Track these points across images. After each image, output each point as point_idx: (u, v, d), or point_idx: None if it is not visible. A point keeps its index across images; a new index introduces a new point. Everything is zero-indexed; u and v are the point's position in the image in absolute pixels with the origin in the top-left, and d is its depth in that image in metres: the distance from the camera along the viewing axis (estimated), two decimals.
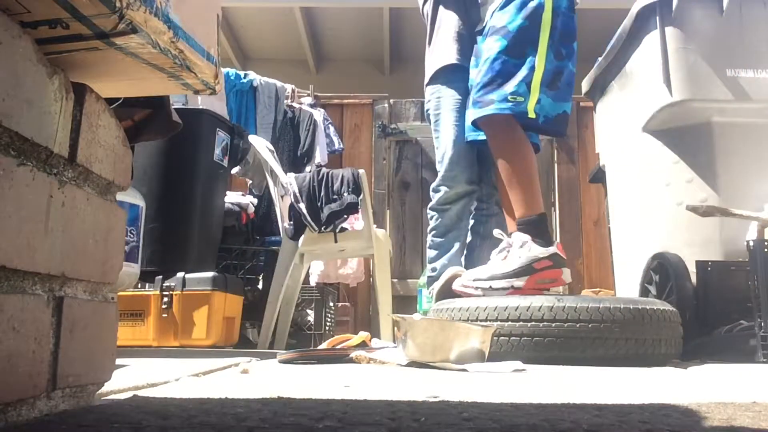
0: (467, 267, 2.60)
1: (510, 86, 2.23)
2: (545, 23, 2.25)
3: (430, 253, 2.62)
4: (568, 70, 2.30)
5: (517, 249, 2.11)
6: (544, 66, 2.25)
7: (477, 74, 2.35)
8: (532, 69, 2.24)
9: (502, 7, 2.31)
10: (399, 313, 2.46)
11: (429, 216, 2.64)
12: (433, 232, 2.61)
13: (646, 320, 1.86)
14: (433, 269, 2.59)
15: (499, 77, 2.26)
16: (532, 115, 2.22)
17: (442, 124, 2.60)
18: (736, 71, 2.50)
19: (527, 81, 2.23)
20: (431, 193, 2.62)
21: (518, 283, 2.05)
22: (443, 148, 2.57)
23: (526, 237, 2.12)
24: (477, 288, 2.07)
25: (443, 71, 2.65)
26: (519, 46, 2.26)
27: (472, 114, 2.32)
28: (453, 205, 2.56)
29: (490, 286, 2.04)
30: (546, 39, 2.25)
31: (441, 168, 2.58)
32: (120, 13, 0.64)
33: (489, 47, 2.31)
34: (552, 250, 2.12)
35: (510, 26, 2.27)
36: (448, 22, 2.68)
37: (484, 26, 2.41)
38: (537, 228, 2.16)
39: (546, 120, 2.26)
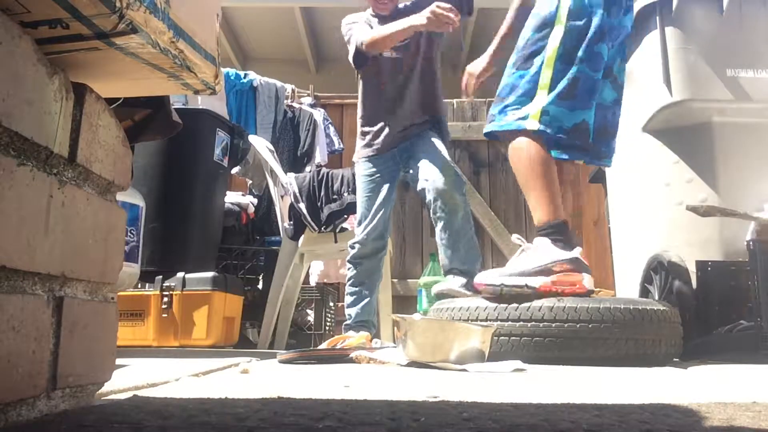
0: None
1: (510, 98, 2.14)
2: (558, 24, 2.12)
3: (347, 299, 2.90)
4: (585, 75, 2.10)
5: (535, 250, 2.03)
6: (552, 74, 2.10)
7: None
8: (536, 79, 2.12)
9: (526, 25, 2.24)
10: (399, 313, 2.47)
11: (347, 267, 2.94)
12: (350, 281, 2.90)
13: (646, 320, 1.86)
14: (348, 315, 2.87)
15: (503, 90, 2.18)
16: (533, 126, 2.07)
17: (359, 193, 2.95)
18: (736, 71, 2.50)
19: (530, 93, 2.11)
20: (348, 249, 2.92)
21: (533, 283, 1.94)
22: (359, 215, 2.91)
23: (546, 240, 2.03)
24: (488, 285, 1.98)
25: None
26: (526, 57, 2.16)
27: (485, 128, 2.27)
28: (365, 260, 2.86)
29: (502, 284, 1.94)
30: (557, 44, 2.11)
31: (358, 230, 2.90)
32: (120, 13, 0.64)
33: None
34: (574, 254, 2.00)
35: (522, 41, 2.20)
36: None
37: None
38: (558, 233, 2.05)
39: (559, 130, 2.09)
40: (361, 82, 3.05)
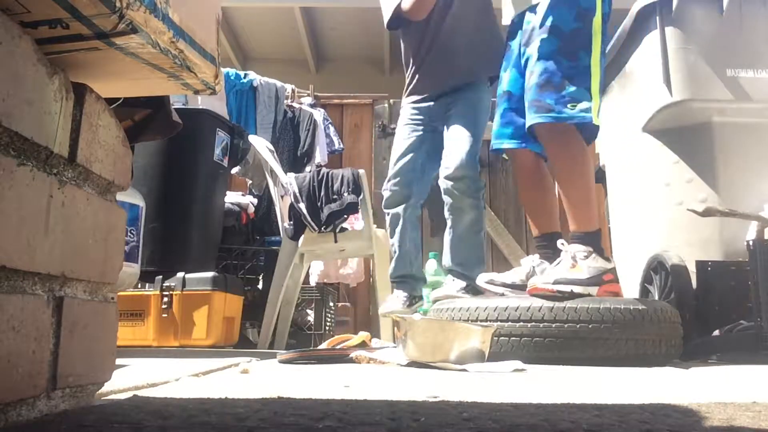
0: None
1: (567, 90, 2.12)
2: (596, 28, 2.15)
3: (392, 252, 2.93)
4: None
5: (582, 259, 2.05)
6: (600, 72, 2.15)
7: (529, 76, 2.19)
8: (589, 74, 2.14)
9: (552, 6, 2.18)
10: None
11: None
12: (389, 232, 2.92)
13: (646, 320, 1.86)
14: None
15: (554, 78, 2.13)
16: (597, 122, 2.13)
17: (395, 138, 2.96)
18: (736, 71, 2.50)
19: (587, 86, 2.13)
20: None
21: (593, 291, 1.98)
22: (392, 160, 2.93)
23: (589, 248, 2.06)
24: (556, 291, 1.97)
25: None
26: (572, 49, 2.15)
27: (529, 119, 2.17)
28: (391, 210, 2.87)
29: (572, 290, 1.97)
30: (599, 44, 2.16)
31: (389, 174, 2.90)
32: (120, 13, 0.64)
33: (540, 48, 2.17)
34: (613, 264, 2.08)
35: (563, 27, 2.16)
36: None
37: (519, 24, 2.30)
38: (596, 242, 2.10)
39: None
40: (401, 32, 3.00)
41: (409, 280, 2.83)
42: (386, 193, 2.88)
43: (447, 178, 2.67)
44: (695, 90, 2.51)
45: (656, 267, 2.50)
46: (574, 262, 2.04)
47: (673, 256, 2.41)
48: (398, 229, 2.84)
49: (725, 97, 2.48)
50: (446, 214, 2.72)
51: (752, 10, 2.56)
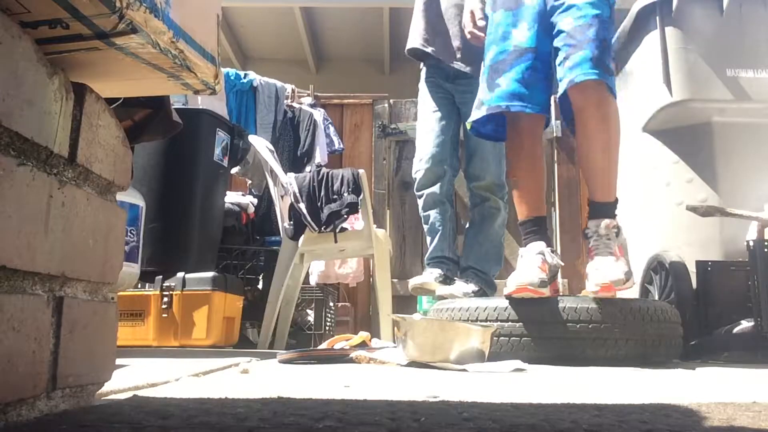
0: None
1: (612, 57, 2.06)
2: None
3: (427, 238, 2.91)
4: None
5: (616, 237, 2.06)
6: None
7: (585, 27, 2.00)
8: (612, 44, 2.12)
9: None
10: (399, 313, 2.47)
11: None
12: (422, 218, 2.89)
13: (646, 320, 1.86)
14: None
15: (610, 43, 2.06)
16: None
17: (418, 124, 2.93)
18: (736, 71, 2.50)
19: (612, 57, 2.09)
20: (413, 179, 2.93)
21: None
22: (417, 146, 2.90)
23: (615, 221, 2.04)
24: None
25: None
26: (612, 22, 2.10)
27: (586, 72, 1.96)
28: (426, 190, 2.83)
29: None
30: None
31: (415, 161, 2.88)
32: (120, 13, 0.64)
33: (594, 4, 2.02)
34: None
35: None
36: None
37: None
38: (613, 212, 2.09)
39: None
40: None
41: (445, 261, 2.83)
42: (419, 174, 2.82)
43: (480, 187, 2.71)
44: (695, 90, 2.51)
45: (656, 267, 2.50)
46: (618, 253, 2.01)
47: (673, 256, 2.41)
48: (437, 210, 2.81)
49: (725, 97, 2.49)
50: (475, 214, 2.75)
51: (752, 10, 2.56)
